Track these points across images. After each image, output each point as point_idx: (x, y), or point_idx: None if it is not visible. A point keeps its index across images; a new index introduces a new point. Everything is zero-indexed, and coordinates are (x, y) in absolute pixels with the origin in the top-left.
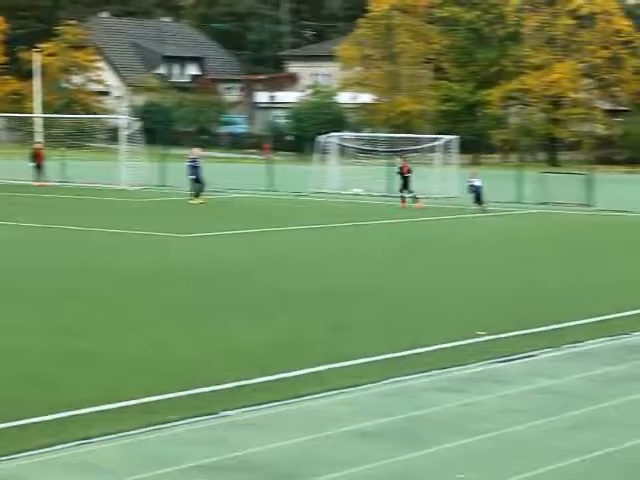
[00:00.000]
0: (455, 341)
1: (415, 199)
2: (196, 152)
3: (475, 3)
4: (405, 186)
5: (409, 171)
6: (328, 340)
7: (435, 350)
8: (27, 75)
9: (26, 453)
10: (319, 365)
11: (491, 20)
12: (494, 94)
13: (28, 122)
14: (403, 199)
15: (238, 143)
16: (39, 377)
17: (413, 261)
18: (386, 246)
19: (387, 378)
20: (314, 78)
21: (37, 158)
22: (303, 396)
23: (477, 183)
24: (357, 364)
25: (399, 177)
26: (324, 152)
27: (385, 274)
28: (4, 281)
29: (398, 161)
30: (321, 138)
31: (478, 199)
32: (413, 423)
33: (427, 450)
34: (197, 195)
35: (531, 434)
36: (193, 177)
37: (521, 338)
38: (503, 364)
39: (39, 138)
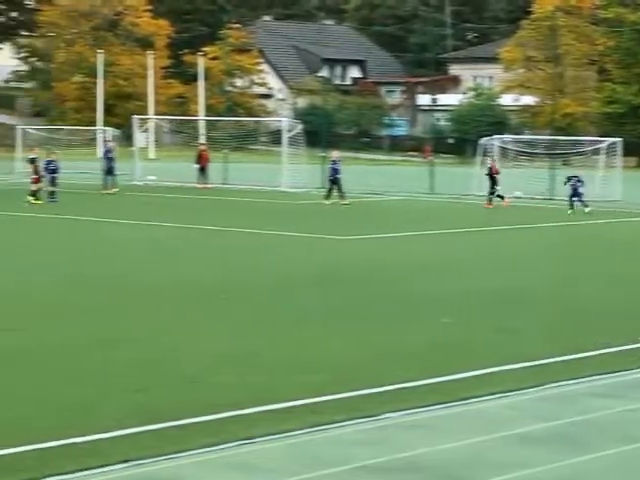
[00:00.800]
0: (616, 347)
1: (501, 198)
2: (335, 154)
3: None
4: (492, 186)
5: (497, 172)
6: (490, 343)
7: (596, 355)
8: (191, 78)
9: (186, 453)
10: (483, 368)
11: None
12: None
13: (191, 125)
14: (490, 200)
15: (398, 145)
16: (199, 377)
17: (574, 265)
18: (547, 249)
19: (549, 382)
20: (476, 80)
21: (201, 160)
22: (469, 398)
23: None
24: (520, 368)
25: (488, 178)
26: (486, 155)
27: (546, 277)
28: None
29: (487, 162)
30: (483, 140)
31: (576, 195)
32: (576, 428)
33: (592, 455)
34: (328, 197)
35: None
36: (332, 178)
37: None
38: None
39: (202, 140)
